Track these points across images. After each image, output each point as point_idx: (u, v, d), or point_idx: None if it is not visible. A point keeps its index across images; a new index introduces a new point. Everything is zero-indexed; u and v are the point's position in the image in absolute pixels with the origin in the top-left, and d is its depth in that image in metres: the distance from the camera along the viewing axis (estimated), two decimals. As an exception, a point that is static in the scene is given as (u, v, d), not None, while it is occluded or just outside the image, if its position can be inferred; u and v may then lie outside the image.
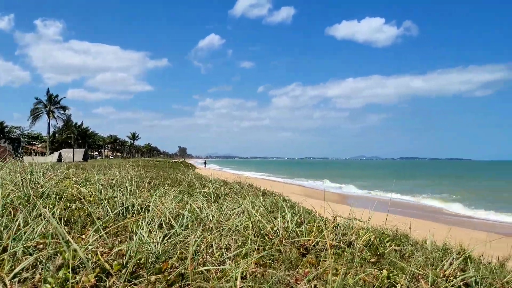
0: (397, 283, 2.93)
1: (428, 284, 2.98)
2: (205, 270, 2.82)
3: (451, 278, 3.13)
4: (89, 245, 2.98)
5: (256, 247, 3.40)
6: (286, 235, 3.85)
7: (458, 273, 3.38)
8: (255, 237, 3.81)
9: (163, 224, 3.89)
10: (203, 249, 3.30)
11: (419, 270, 3.32)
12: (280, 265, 3.23)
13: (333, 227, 4.30)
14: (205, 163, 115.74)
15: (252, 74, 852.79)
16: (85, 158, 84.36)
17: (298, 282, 2.85)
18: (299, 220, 4.46)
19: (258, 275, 2.84)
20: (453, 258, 3.94)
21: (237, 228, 3.87)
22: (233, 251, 3.24)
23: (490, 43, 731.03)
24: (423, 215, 23.54)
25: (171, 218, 4.00)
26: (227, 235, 3.60)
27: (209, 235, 3.59)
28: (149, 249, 3.15)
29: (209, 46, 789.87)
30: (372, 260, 3.57)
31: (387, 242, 4.36)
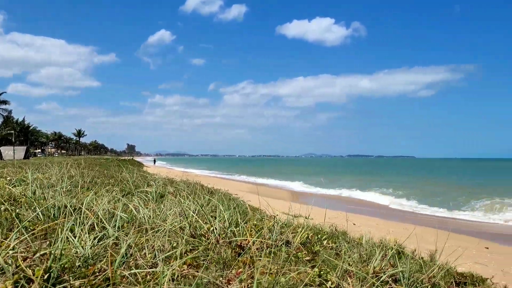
0: (327, 281, 2.98)
1: (357, 281, 3.04)
2: (133, 273, 2.74)
3: (381, 274, 3.21)
4: (10, 249, 2.82)
5: (191, 248, 3.36)
6: (224, 235, 3.83)
7: (389, 269, 3.49)
8: (192, 237, 3.76)
9: (96, 226, 3.76)
10: (135, 251, 3.21)
11: (352, 267, 3.39)
12: (215, 265, 3.20)
13: (272, 225, 4.32)
14: (154, 161, 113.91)
15: (203, 71, 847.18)
16: (26, 155, 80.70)
17: (230, 282, 2.83)
18: (239, 219, 4.45)
19: (189, 276, 2.80)
20: (385, 254, 4.06)
21: (173, 229, 3.80)
22: (166, 253, 3.18)
23: (433, 45, 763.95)
24: (369, 211, 24.24)
25: (103, 219, 3.87)
26: (162, 236, 3.53)
27: (143, 236, 3.50)
28: (78, 252, 3.03)
29: (159, 42, 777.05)
30: (307, 258, 3.61)
31: (324, 239, 4.44)
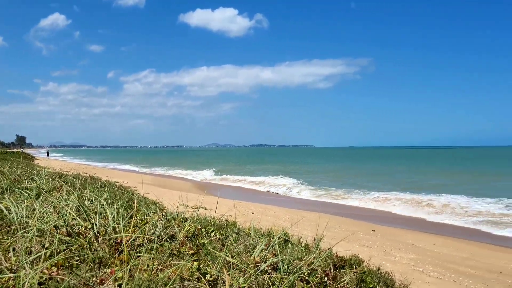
0: (207, 274, 2.97)
1: (237, 272, 3.08)
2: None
3: (261, 263, 3.28)
4: None
5: (64, 248, 3.15)
6: (104, 232, 3.65)
7: (271, 258, 3.58)
8: (69, 236, 3.54)
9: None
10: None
11: (234, 258, 3.42)
12: (90, 265, 3.03)
13: (157, 219, 4.22)
14: (47, 153, 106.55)
15: (102, 58, 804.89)
16: None
17: (103, 282, 2.70)
18: (124, 214, 4.28)
19: (58, 279, 2.62)
20: (267, 243, 4.16)
21: (47, 228, 3.55)
22: (35, 254, 2.95)
23: (331, 39, 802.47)
24: (271, 200, 24.92)
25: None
26: (31, 237, 3.26)
27: (9, 238, 3.22)
28: None
29: (52, 26, 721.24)
30: (191, 252, 3.58)
31: (212, 232, 4.44)
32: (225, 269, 3.02)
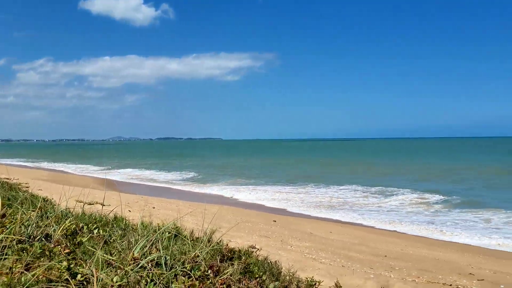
0: (78, 274, 2.81)
1: (113, 270, 2.95)
2: None
3: (141, 259, 3.18)
4: None
5: None
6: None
7: (154, 253, 3.49)
8: None
9: None
10: None
11: (113, 256, 3.28)
12: None
13: (35, 216, 3.92)
14: None
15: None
16: None
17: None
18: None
19: None
20: (158, 238, 4.06)
21: None
22: None
23: (238, 33, 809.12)
24: (176, 193, 24.59)
25: None
26: None
27: None
28: None
29: None
30: (67, 251, 3.36)
31: (95, 228, 4.23)
32: (98, 268, 2.87)
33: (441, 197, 22.05)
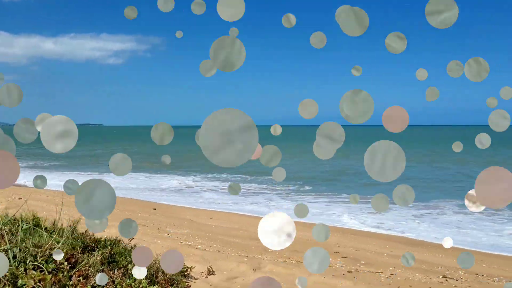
0: None
1: None
2: None
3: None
4: None
5: None
6: None
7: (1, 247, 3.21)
8: None
9: None
10: None
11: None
12: None
13: None
14: None
15: None
16: None
17: None
18: None
19: None
20: (13, 230, 3.76)
21: None
22: None
23: (121, 13, 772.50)
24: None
25: None
26: None
27: None
28: None
29: None
30: None
31: None
32: None
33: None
